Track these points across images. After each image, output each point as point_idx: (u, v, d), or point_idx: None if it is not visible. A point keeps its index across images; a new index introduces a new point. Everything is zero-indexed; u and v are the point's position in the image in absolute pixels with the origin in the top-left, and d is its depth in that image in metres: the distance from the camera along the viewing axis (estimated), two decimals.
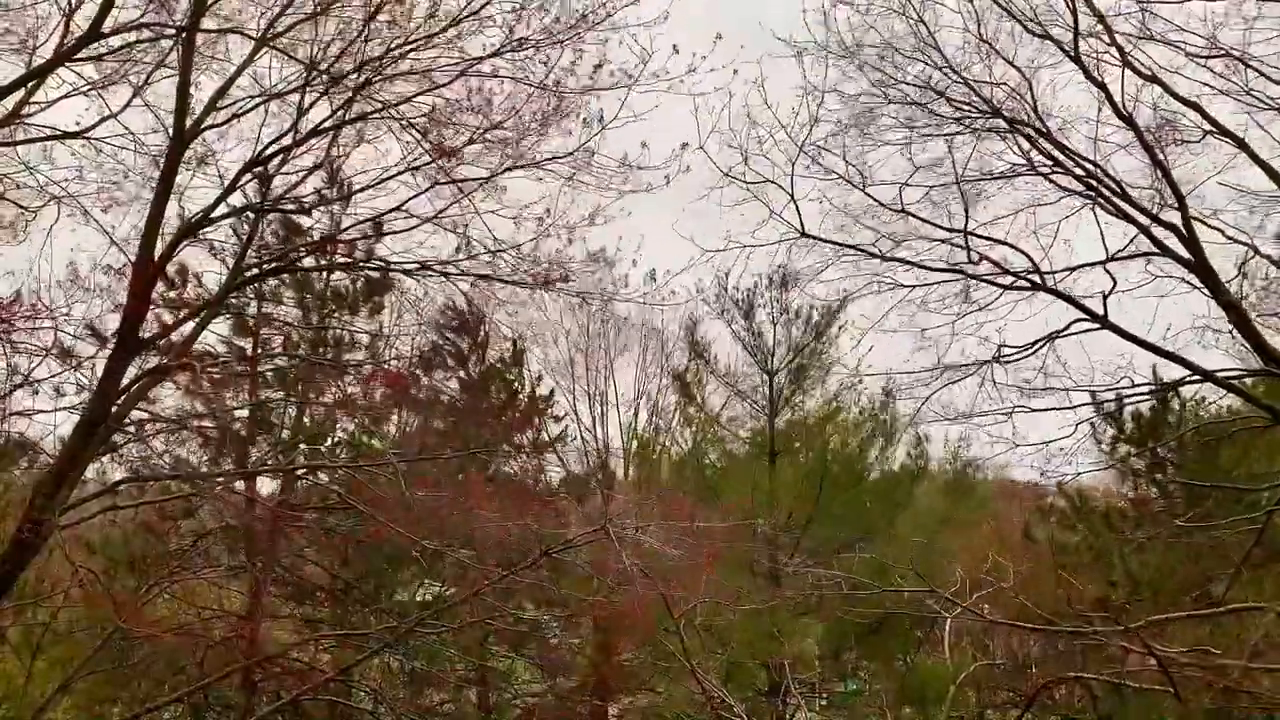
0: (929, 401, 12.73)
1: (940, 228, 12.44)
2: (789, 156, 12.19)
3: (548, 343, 26.01)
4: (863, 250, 12.61)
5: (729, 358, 26.16)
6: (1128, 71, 11.31)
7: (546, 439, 24.07)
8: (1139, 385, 12.52)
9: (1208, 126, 11.29)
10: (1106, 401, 12.62)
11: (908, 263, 12.65)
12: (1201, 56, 11.09)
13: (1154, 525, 17.50)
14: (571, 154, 10.14)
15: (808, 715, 24.37)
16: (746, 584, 22.13)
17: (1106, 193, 11.75)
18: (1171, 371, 12.36)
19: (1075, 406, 12.61)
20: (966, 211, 12.20)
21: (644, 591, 12.69)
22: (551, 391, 24.72)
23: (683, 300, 11.81)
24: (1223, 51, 10.99)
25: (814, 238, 12.61)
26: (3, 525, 12.10)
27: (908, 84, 12.07)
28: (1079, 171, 11.87)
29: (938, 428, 24.74)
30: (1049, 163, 12.07)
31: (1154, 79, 11.27)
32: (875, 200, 12.44)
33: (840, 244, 12.68)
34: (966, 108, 11.99)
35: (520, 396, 23.27)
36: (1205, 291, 11.28)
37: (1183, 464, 18.16)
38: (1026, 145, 12.11)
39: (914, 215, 12.42)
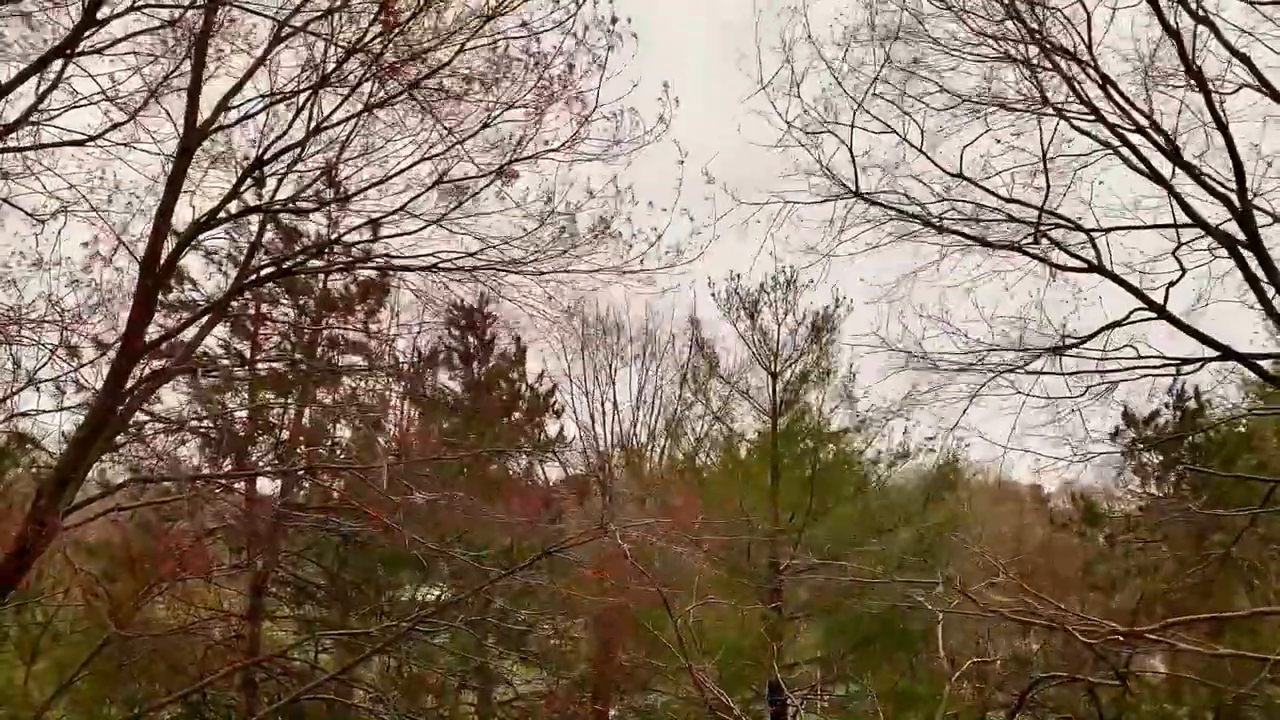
0: (974, 397, 11.27)
1: (999, 197, 11.15)
2: (830, 111, 11.02)
3: (551, 341, 26.02)
4: (920, 219, 11.25)
5: (731, 358, 26.23)
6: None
7: (548, 439, 24.09)
8: (1147, 357, 11.19)
9: (1252, 82, 10.17)
10: (1122, 379, 11.61)
11: (965, 235, 11.25)
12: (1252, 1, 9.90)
13: (1161, 518, 17.27)
14: (568, 143, 10.04)
15: (804, 718, 24.40)
16: (745, 584, 22.13)
17: (1160, 154, 10.57)
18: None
19: (1076, 396, 11.86)
20: (1048, 187, 10.86)
21: (642, 589, 12.63)
22: (554, 389, 24.73)
23: (694, 257, 11.00)
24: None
25: (868, 199, 11.24)
26: (6, 526, 12.07)
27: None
28: (1129, 124, 10.68)
29: (933, 423, 24.23)
30: (1089, 110, 10.79)
31: (1205, 20, 10.05)
32: (930, 159, 11.10)
33: (898, 209, 11.26)
34: (1014, 35, 10.63)
35: (523, 396, 23.28)
36: (1262, 274, 10.28)
37: (1196, 462, 17.84)
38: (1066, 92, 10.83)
39: (973, 181, 11.13)
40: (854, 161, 11.05)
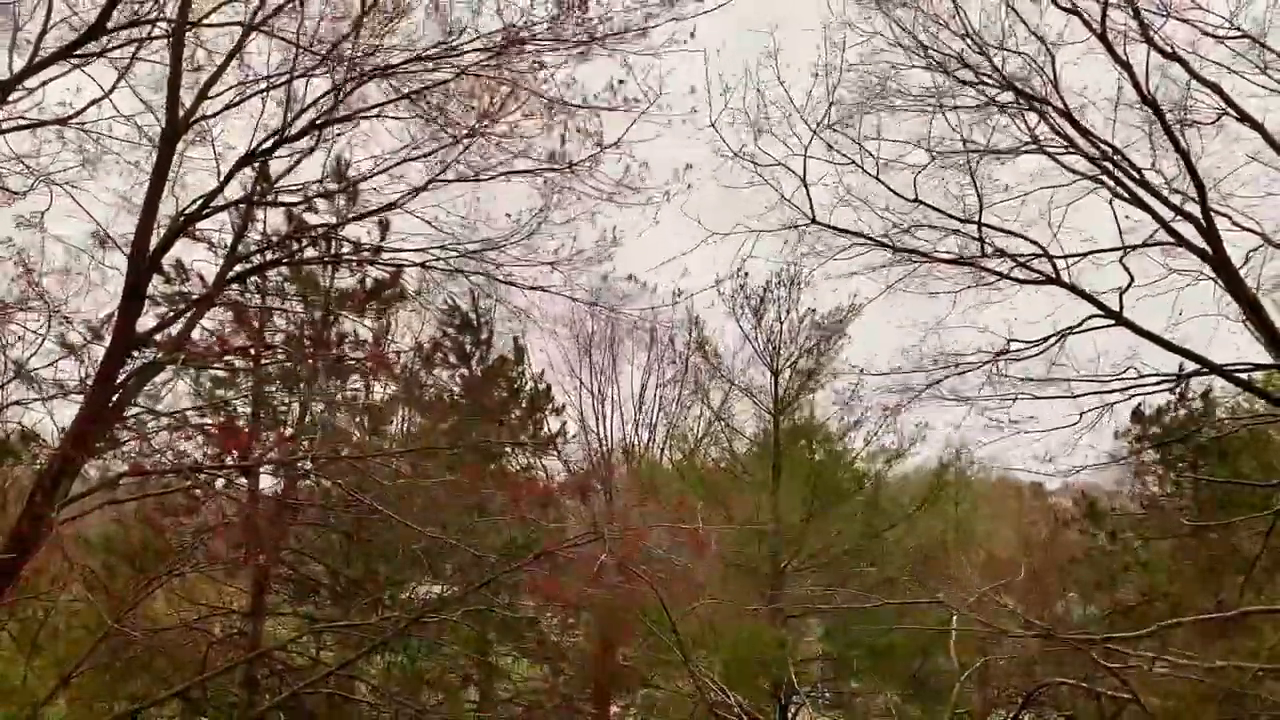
0: (931, 389, 12.45)
1: (954, 218, 12.15)
2: (801, 140, 11.99)
3: (550, 340, 25.90)
4: (874, 241, 12.28)
5: (733, 355, 26.06)
6: (1149, 52, 10.96)
7: (547, 436, 23.99)
8: (1146, 376, 12.08)
9: (1225, 108, 10.98)
10: (1113, 391, 12.17)
11: (919, 254, 12.30)
12: (1219, 36, 10.78)
13: (1164, 523, 17.29)
14: (575, 164, 10.20)
15: (811, 715, 24.31)
16: (749, 585, 22.06)
17: (1123, 178, 11.42)
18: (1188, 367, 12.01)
19: (1079, 395, 12.30)
20: (981, 202, 11.93)
21: (640, 590, 12.61)
22: (548, 387, 24.60)
23: (688, 294, 11.72)
24: (1241, 33, 10.75)
25: (823, 225, 12.30)
26: (2, 519, 12.05)
27: (928, 49, 11.75)
28: (1094, 152, 11.55)
29: (937, 420, 24.39)
30: (1063, 141, 11.79)
31: (1175, 56, 10.89)
32: (888, 187, 12.14)
33: (851, 233, 12.29)
34: (986, 78, 11.63)
35: (522, 394, 23.19)
36: (1221, 285, 11.05)
37: (1197, 462, 17.88)
38: (1036, 120, 11.86)
39: (927, 204, 12.11)
40: (808, 192, 12.15)
